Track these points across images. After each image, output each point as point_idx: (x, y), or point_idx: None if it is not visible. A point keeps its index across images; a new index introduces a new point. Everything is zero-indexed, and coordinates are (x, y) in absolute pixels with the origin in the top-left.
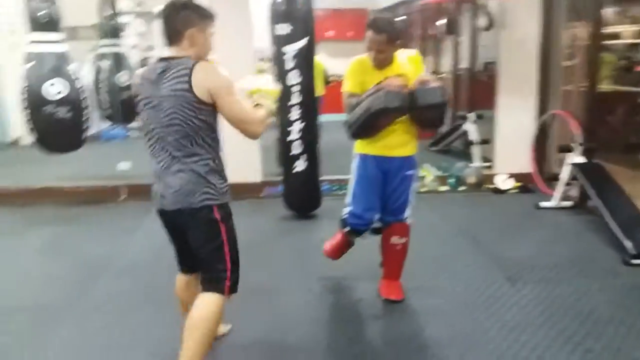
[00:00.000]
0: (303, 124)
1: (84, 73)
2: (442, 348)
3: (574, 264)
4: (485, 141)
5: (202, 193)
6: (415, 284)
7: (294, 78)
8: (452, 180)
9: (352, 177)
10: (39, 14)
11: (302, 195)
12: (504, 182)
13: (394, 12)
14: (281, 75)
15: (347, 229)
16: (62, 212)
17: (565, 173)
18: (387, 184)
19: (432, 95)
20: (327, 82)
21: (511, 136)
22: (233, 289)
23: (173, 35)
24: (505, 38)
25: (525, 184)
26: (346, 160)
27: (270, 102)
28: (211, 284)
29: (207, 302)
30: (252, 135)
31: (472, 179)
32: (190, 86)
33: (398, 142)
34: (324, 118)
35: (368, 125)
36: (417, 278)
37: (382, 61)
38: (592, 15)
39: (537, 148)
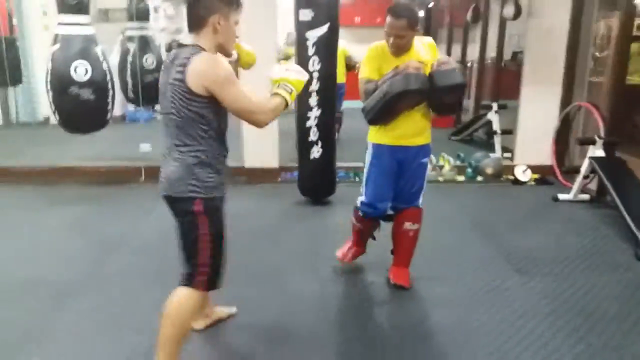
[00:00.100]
0: (320, 110)
1: (113, 55)
2: (445, 335)
3: (585, 258)
4: (508, 131)
5: (187, 184)
6: (424, 272)
7: (314, 64)
8: (470, 170)
9: (365, 167)
10: None
11: (317, 181)
12: (523, 173)
13: None
14: (303, 61)
15: (360, 215)
16: (84, 191)
17: (584, 166)
18: (402, 173)
19: (451, 77)
20: (352, 68)
21: (533, 127)
22: (210, 284)
23: (196, 22)
24: (534, 27)
25: (545, 176)
26: (364, 148)
27: (288, 92)
28: (185, 277)
29: (177, 296)
30: (258, 124)
31: (490, 170)
32: (184, 76)
33: (414, 130)
34: (346, 105)
35: (387, 109)
36: (426, 267)
37: (401, 47)
38: (623, 5)
39: (559, 140)
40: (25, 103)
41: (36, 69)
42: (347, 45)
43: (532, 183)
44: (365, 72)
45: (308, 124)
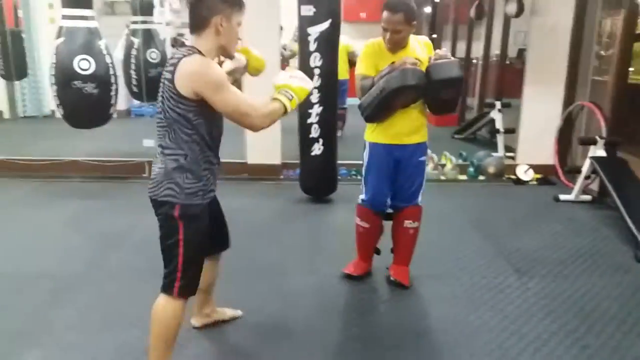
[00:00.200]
0: (321, 107)
1: (118, 49)
2: (444, 334)
3: (584, 259)
4: (511, 130)
5: (166, 188)
6: (423, 271)
7: (315, 60)
8: (471, 169)
9: (364, 165)
10: None
11: (318, 178)
12: (525, 173)
13: None
14: (304, 56)
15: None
16: (87, 186)
17: (585, 166)
18: (400, 172)
19: (448, 70)
20: (355, 64)
21: (536, 126)
22: (184, 291)
23: (198, 22)
24: (537, 25)
25: (547, 176)
26: None
27: (288, 98)
28: (163, 283)
29: (157, 302)
30: (252, 127)
31: (492, 169)
32: (173, 77)
33: (410, 129)
34: (350, 101)
35: (383, 105)
36: (425, 266)
37: (397, 42)
38: (627, 3)
39: (562, 139)
40: (31, 96)
41: (42, 63)
42: (352, 41)
43: (534, 183)
44: (361, 69)
45: (309, 120)
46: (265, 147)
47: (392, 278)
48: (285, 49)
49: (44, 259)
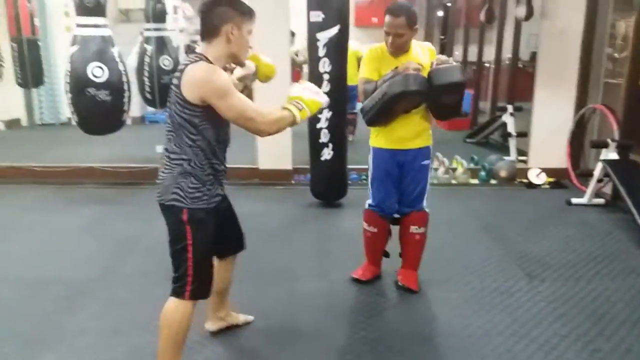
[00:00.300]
0: (330, 112)
1: (132, 56)
2: (449, 338)
3: (596, 263)
4: (523, 134)
5: (172, 192)
6: (432, 276)
7: (324, 66)
8: (483, 174)
9: (369, 170)
10: None
11: (328, 183)
12: (537, 176)
13: None
14: (314, 62)
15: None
16: (101, 192)
17: (597, 169)
18: (403, 176)
19: (449, 74)
20: None
21: (547, 129)
22: (195, 294)
23: (209, 31)
24: (547, 28)
25: (559, 179)
26: None
27: (298, 109)
28: (174, 287)
29: (167, 306)
30: (259, 133)
31: (504, 173)
32: (180, 83)
33: (412, 134)
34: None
35: (385, 110)
36: (434, 270)
37: (399, 46)
38: (638, 5)
39: (574, 142)
40: (48, 104)
41: (58, 70)
42: (361, 46)
43: (547, 187)
44: (364, 73)
45: (319, 125)
46: (276, 152)
47: (400, 283)
48: (297, 55)
49: (59, 264)
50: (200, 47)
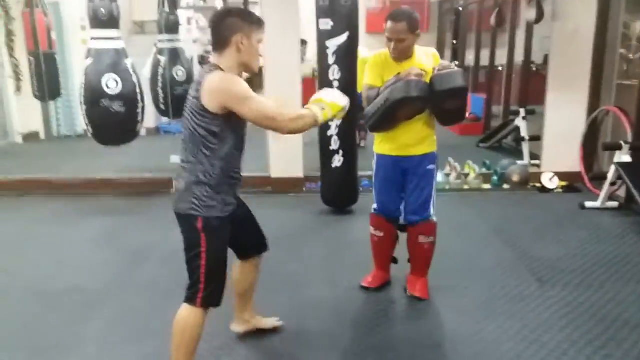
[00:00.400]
0: (341, 120)
1: (146, 67)
2: (459, 344)
3: (609, 267)
4: (536, 137)
5: (188, 202)
6: (442, 281)
7: (334, 73)
8: (495, 178)
9: (373, 177)
10: (99, 12)
11: (338, 190)
12: (550, 180)
13: (451, 3)
14: (323, 69)
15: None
16: (117, 203)
17: (610, 172)
18: (408, 182)
19: (451, 80)
20: None
21: (560, 133)
22: (207, 302)
23: (220, 42)
24: (558, 30)
25: (572, 183)
26: None
27: (319, 109)
28: (187, 293)
29: (180, 313)
30: (279, 130)
31: (516, 177)
32: (199, 94)
33: (415, 140)
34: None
35: (387, 116)
36: (444, 276)
37: (402, 52)
38: None
39: (587, 146)
40: (65, 117)
41: (75, 83)
42: (371, 52)
43: (560, 190)
44: (367, 79)
45: (329, 133)
46: (287, 160)
47: (409, 293)
48: (311, 61)
49: (74, 274)
50: (212, 58)
